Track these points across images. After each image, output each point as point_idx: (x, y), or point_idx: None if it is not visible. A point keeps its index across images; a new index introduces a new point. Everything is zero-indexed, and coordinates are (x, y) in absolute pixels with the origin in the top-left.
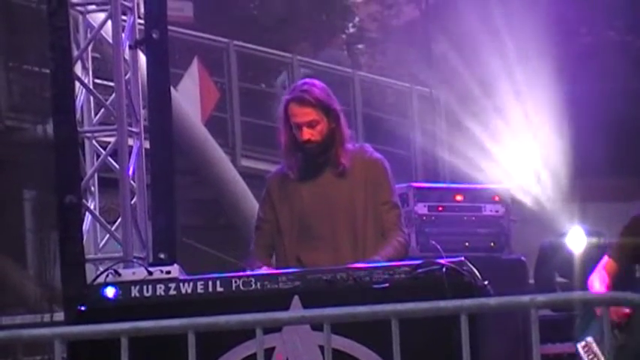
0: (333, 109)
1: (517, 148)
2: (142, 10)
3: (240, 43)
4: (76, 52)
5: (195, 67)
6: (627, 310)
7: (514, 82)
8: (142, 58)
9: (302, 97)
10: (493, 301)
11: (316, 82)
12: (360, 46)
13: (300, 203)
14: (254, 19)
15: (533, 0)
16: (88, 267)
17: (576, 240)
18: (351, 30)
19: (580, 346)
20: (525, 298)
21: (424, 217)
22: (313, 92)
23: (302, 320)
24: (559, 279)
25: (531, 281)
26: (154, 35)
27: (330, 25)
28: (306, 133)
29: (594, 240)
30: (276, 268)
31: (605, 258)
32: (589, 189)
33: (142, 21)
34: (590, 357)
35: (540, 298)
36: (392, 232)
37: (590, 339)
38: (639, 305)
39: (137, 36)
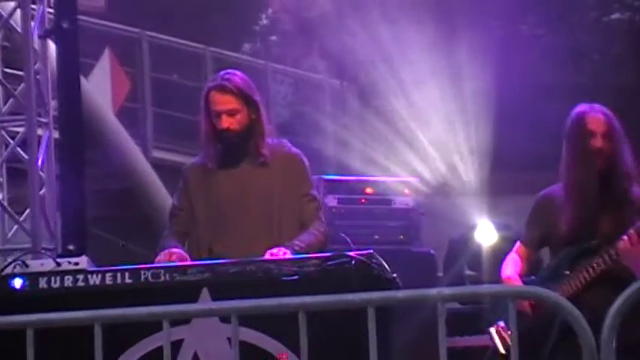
0: (254, 100)
1: (429, 142)
2: None
3: (153, 34)
4: None
5: (106, 57)
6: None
7: (428, 75)
8: (52, 48)
9: (223, 85)
10: (400, 294)
11: (238, 72)
12: (273, 37)
13: (216, 191)
14: (167, 10)
15: None
16: None
17: (485, 234)
18: (265, 22)
19: (492, 330)
20: (432, 292)
21: (334, 210)
22: (234, 81)
23: (209, 313)
24: (468, 272)
25: (441, 274)
26: (64, 25)
27: (244, 16)
28: (226, 122)
29: (503, 233)
30: (191, 257)
31: (518, 243)
32: (501, 183)
33: (52, 10)
34: (502, 340)
35: (447, 291)
36: (312, 223)
37: (501, 323)
38: (545, 299)
39: (47, 25)
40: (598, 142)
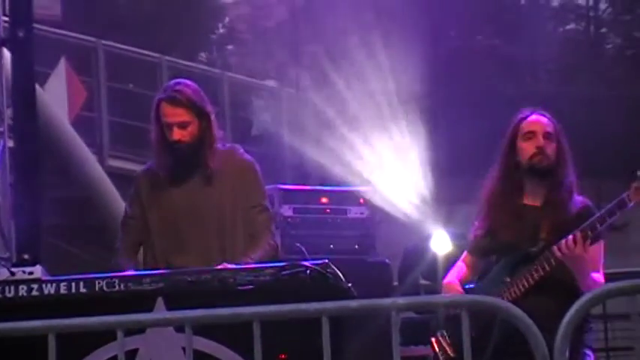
0: (206, 111)
1: (385, 150)
2: (7, 7)
3: (109, 43)
4: None
5: (62, 66)
6: None
7: (383, 83)
8: (8, 56)
9: (174, 97)
10: (354, 303)
11: (189, 82)
12: (229, 46)
13: (169, 206)
14: (124, 19)
15: (403, 3)
16: None
17: (440, 243)
18: (221, 30)
19: (433, 340)
20: (387, 301)
21: (289, 219)
22: (186, 93)
23: (163, 322)
24: (423, 281)
25: (396, 283)
26: (20, 34)
27: (200, 25)
28: (177, 134)
29: (458, 243)
30: (145, 268)
31: (465, 252)
32: (457, 191)
33: (7, 18)
34: (441, 351)
35: (401, 300)
36: (262, 235)
37: (441, 333)
38: (497, 309)
39: (2, 34)
40: (539, 142)
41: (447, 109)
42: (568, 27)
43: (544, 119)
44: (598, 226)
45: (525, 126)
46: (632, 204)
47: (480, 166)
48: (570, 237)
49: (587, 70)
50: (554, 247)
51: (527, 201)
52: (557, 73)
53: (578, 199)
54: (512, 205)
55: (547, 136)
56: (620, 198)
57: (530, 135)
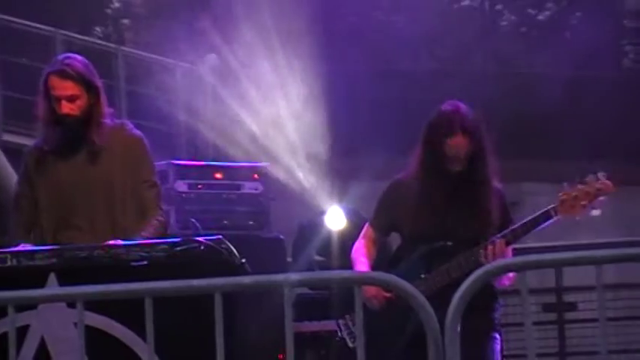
0: (95, 85)
1: (278, 126)
2: None
3: (2, 16)
4: None
5: None
6: (388, 295)
7: (276, 60)
8: None
9: (63, 71)
10: (248, 279)
11: (78, 57)
12: (125, 21)
13: (57, 180)
14: None
15: None
16: None
17: (335, 219)
18: (117, 4)
19: (341, 322)
20: (280, 277)
21: (184, 195)
22: (75, 66)
23: (55, 298)
24: (317, 257)
25: (290, 259)
26: None
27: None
28: (65, 107)
29: (353, 219)
30: (34, 245)
31: (366, 225)
32: (350, 168)
33: None
34: (348, 333)
35: (294, 277)
36: (151, 212)
37: (348, 317)
38: (391, 285)
39: None
40: (459, 139)
41: (342, 87)
42: (463, 3)
43: (463, 111)
44: (520, 234)
45: (444, 124)
46: (557, 217)
47: (374, 144)
48: (491, 246)
49: (481, 47)
50: (479, 247)
51: (446, 190)
52: (452, 50)
53: (496, 190)
54: (431, 193)
55: (464, 130)
56: (545, 210)
57: (449, 132)
